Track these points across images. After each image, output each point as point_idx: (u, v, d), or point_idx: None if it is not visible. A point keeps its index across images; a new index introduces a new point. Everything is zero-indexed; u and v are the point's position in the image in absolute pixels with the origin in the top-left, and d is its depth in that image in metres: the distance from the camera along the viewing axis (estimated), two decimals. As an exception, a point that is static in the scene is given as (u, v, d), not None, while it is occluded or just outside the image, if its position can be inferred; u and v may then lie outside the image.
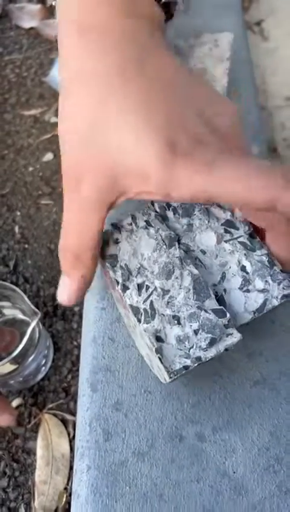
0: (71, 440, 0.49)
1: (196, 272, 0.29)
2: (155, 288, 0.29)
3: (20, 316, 0.50)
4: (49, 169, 0.71)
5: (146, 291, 0.29)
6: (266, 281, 0.29)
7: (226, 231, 0.31)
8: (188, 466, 0.31)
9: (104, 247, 0.30)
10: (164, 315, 0.28)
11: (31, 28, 0.92)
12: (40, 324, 0.49)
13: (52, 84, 0.83)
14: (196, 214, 0.31)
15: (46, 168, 0.72)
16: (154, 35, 0.28)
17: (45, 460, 0.48)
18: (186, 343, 0.28)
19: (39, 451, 0.48)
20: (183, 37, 0.47)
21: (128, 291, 0.29)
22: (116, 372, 0.34)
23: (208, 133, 0.26)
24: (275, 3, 0.48)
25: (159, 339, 0.28)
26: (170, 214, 0.31)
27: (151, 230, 0.30)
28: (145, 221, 0.31)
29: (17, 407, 0.51)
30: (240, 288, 0.30)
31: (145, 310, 0.29)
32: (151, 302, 0.29)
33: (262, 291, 0.29)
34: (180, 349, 0.27)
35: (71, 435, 0.49)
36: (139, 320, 0.28)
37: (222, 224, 0.31)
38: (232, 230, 0.30)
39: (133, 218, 0.31)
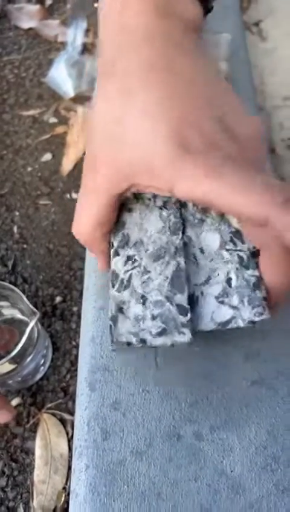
0: (70, 440, 0.49)
1: (182, 265, 0.29)
2: (140, 265, 0.30)
3: (19, 315, 0.50)
4: (48, 170, 0.71)
5: (131, 264, 0.30)
6: (242, 301, 0.29)
7: (231, 240, 0.30)
8: (186, 465, 0.32)
9: (117, 215, 0.32)
10: (135, 291, 0.29)
11: (30, 29, 0.92)
12: (39, 324, 0.49)
13: (51, 85, 0.83)
14: (212, 213, 0.31)
15: (44, 168, 0.72)
16: (188, 35, 0.29)
17: (44, 459, 0.48)
18: (141, 323, 0.28)
19: (38, 451, 0.49)
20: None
21: (117, 258, 0.30)
22: (115, 371, 0.34)
23: (225, 138, 0.26)
24: (274, 4, 0.49)
25: (120, 310, 0.29)
26: (190, 204, 0.32)
27: (164, 213, 0.31)
28: (164, 202, 0.31)
29: (16, 406, 0.51)
30: (216, 298, 0.29)
31: (122, 279, 0.30)
32: (131, 275, 0.30)
33: (234, 308, 0.29)
34: (133, 327, 0.28)
35: (70, 435, 0.50)
36: (113, 286, 0.30)
37: (230, 232, 0.30)
38: (238, 241, 0.30)
39: (155, 194, 0.31)
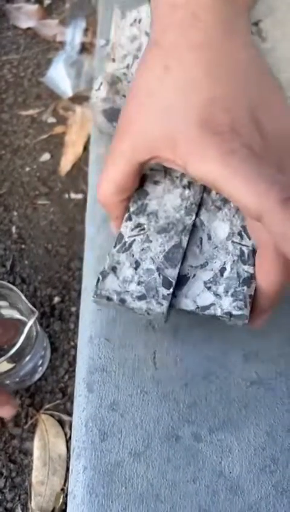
0: (68, 441, 0.49)
1: (184, 244, 0.31)
2: (145, 234, 0.31)
3: (18, 315, 0.50)
4: (46, 170, 0.71)
5: (138, 231, 0.31)
6: (227, 291, 0.30)
7: (239, 233, 0.31)
8: (184, 466, 0.31)
9: (143, 183, 0.33)
10: (132, 255, 0.31)
11: (29, 28, 0.92)
12: (38, 324, 0.49)
13: (50, 84, 0.83)
14: (231, 204, 0.32)
15: (43, 168, 0.72)
16: (240, 16, 0.28)
17: (42, 461, 0.48)
18: (126, 285, 0.30)
19: (36, 452, 0.48)
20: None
21: (128, 222, 0.32)
22: (113, 372, 0.34)
23: (250, 128, 0.26)
24: (274, 4, 0.48)
25: (113, 269, 0.31)
26: (214, 190, 0.32)
27: (186, 192, 0.32)
28: (189, 182, 0.32)
29: (14, 407, 0.51)
30: (205, 282, 0.30)
31: (124, 242, 0.31)
32: (133, 241, 0.31)
33: (216, 295, 0.30)
34: (119, 286, 0.30)
35: (68, 436, 0.49)
36: (115, 246, 0.31)
37: (242, 226, 0.31)
38: (245, 236, 0.31)
39: (183, 173, 0.32)
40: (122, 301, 0.30)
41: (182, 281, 0.30)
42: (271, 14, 0.47)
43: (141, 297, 0.30)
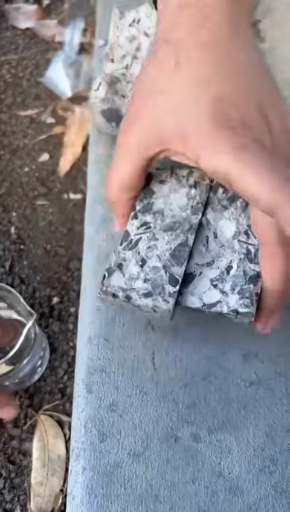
0: (67, 441, 0.49)
1: (190, 242, 0.31)
2: (151, 231, 0.32)
3: (16, 316, 0.50)
4: (45, 170, 0.71)
5: (144, 229, 0.32)
6: (233, 289, 0.30)
7: (246, 233, 0.31)
8: (184, 467, 0.31)
9: (149, 182, 0.34)
10: (138, 253, 0.31)
11: (27, 29, 0.92)
12: (36, 325, 0.49)
13: (48, 85, 0.83)
14: (237, 203, 0.32)
15: (42, 168, 0.71)
16: (245, 15, 0.29)
17: (41, 461, 0.48)
18: (133, 283, 0.30)
19: (35, 453, 0.48)
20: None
21: (134, 220, 0.32)
22: (112, 373, 0.34)
23: (259, 124, 0.27)
24: (273, 4, 0.48)
25: (119, 266, 0.31)
26: (220, 190, 0.33)
27: (193, 192, 0.33)
28: (196, 182, 0.33)
29: (13, 408, 0.51)
30: (211, 280, 0.30)
31: (130, 240, 0.32)
32: (140, 239, 0.31)
33: (223, 293, 0.30)
34: (125, 284, 0.30)
35: (67, 436, 0.49)
36: (121, 243, 0.32)
37: (248, 225, 0.31)
38: (251, 235, 0.31)
39: (190, 173, 0.33)
40: (128, 298, 0.30)
41: (188, 278, 0.31)
42: (270, 14, 0.47)
43: (147, 295, 0.30)
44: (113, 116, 0.39)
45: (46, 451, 0.49)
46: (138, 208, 0.33)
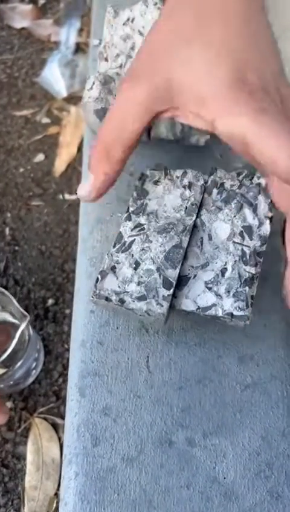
0: (62, 445, 0.49)
1: (184, 244, 0.30)
2: (144, 233, 0.31)
3: (10, 318, 0.49)
4: (40, 171, 0.71)
5: (138, 231, 0.31)
6: (228, 292, 0.29)
7: (241, 234, 0.31)
8: (178, 472, 0.31)
9: (142, 184, 0.33)
10: (131, 256, 0.31)
11: (23, 28, 0.91)
12: (30, 327, 0.48)
13: (44, 85, 0.83)
14: (232, 205, 0.32)
15: (37, 169, 0.71)
16: None
17: (35, 465, 0.48)
18: (126, 286, 0.30)
19: (29, 456, 0.48)
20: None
21: (128, 222, 0.32)
22: (105, 376, 0.34)
23: (274, 89, 0.27)
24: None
25: (112, 268, 0.30)
26: (215, 191, 0.33)
27: (187, 193, 0.32)
28: (189, 182, 0.33)
29: (7, 411, 0.50)
30: (206, 283, 0.30)
31: (124, 242, 0.31)
32: (133, 241, 0.31)
33: (218, 296, 0.30)
34: (118, 287, 0.30)
35: (62, 440, 0.49)
36: (114, 246, 0.31)
37: (243, 226, 0.31)
38: (247, 237, 0.31)
39: (184, 173, 0.33)
40: (122, 302, 0.29)
41: (182, 281, 0.30)
42: (271, 8, 0.47)
43: (140, 298, 0.29)
44: (107, 116, 0.38)
45: (40, 455, 0.48)
46: (131, 209, 0.32)
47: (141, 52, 0.29)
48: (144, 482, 0.31)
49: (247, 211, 0.32)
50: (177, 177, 0.33)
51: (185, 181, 0.33)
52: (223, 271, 0.30)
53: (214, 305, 0.29)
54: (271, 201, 0.32)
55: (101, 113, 0.38)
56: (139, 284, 0.30)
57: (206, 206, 0.32)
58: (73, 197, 0.68)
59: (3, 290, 0.44)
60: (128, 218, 0.32)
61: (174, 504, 0.30)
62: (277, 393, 0.33)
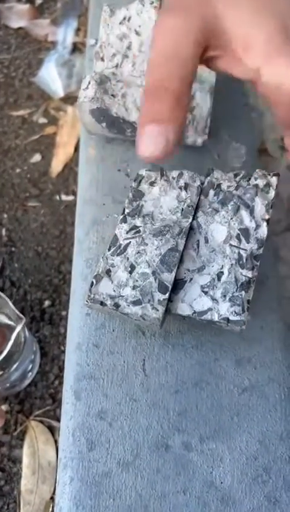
0: (58, 448, 0.48)
1: (180, 247, 0.30)
2: (140, 236, 0.31)
3: (6, 320, 0.49)
4: (37, 171, 0.70)
5: (133, 234, 0.31)
6: (225, 296, 0.29)
7: (238, 237, 0.31)
8: (174, 476, 0.31)
9: (137, 185, 0.33)
10: (127, 259, 0.30)
11: (20, 28, 0.91)
12: (26, 329, 0.48)
13: (41, 85, 0.82)
14: (229, 206, 0.31)
15: (34, 169, 0.70)
16: None
17: (31, 469, 0.47)
18: (121, 290, 0.29)
19: (25, 460, 0.47)
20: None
21: (123, 224, 0.31)
22: (101, 379, 0.33)
23: None
24: None
25: (107, 272, 0.30)
26: (211, 192, 0.32)
27: (183, 194, 0.32)
28: (185, 183, 0.32)
29: (3, 414, 0.50)
30: (202, 287, 0.30)
31: (119, 245, 0.31)
32: (128, 243, 0.31)
33: (214, 300, 0.29)
34: (113, 291, 0.30)
35: (58, 443, 0.48)
36: (109, 249, 0.31)
37: (239, 229, 0.31)
38: (243, 240, 0.30)
39: (180, 174, 0.33)
40: (117, 306, 0.29)
41: (178, 285, 0.30)
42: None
43: (136, 303, 0.29)
44: (103, 116, 0.38)
45: (36, 458, 0.48)
46: (127, 210, 0.32)
47: None
48: (140, 487, 0.30)
49: (244, 213, 0.31)
50: (174, 178, 0.33)
51: (181, 182, 0.32)
52: (220, 275, 0.30)
53: (210, 309, 0.29)
54: (268, 203, 0.31)
55: (97, 113, 0.38)
56: (134, 288, 0.29)
57: (202, 208, 0.32)
58: (69, 197, 0.68)
59: (-2, 291, 0.44)
60: (124, 220, 0.32)
61: (170, 509, 0.30)
62: (274, 396, 0.33)
